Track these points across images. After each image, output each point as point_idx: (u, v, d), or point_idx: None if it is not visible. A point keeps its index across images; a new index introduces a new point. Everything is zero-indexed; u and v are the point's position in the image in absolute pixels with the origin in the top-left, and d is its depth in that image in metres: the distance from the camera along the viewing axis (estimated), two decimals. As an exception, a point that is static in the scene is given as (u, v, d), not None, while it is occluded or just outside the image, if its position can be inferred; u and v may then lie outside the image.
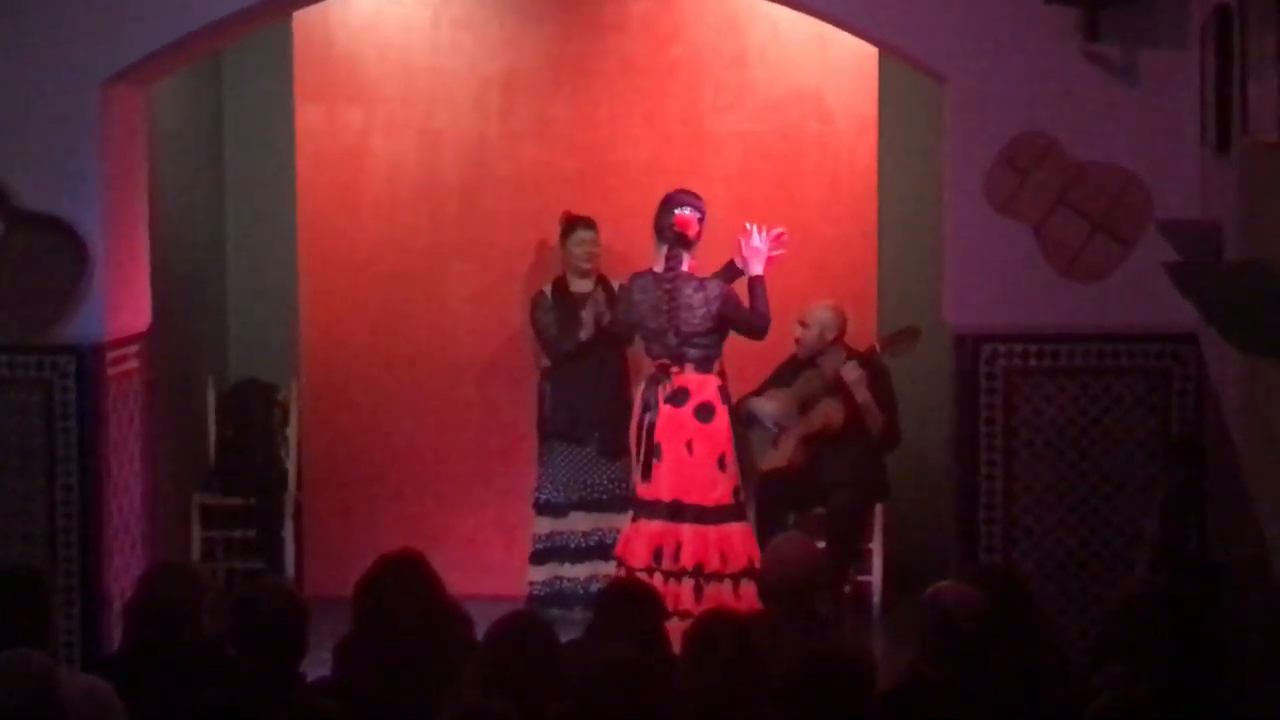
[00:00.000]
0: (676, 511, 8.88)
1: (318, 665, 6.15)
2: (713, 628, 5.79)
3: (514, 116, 10.01)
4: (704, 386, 8.97)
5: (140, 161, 8.36)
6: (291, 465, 10.18)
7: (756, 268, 8.98)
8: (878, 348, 9.39)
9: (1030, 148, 7.71)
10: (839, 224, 9.97)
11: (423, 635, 6.04)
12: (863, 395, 9.29)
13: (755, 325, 8.98)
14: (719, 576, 8.82)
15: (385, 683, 5.84)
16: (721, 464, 8.93)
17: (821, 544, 8.70)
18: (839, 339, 9.43)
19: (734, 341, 9.10)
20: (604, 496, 9.57)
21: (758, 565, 7.80)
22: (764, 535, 8.70)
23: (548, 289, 9.71)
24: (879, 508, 9.64)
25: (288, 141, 10.10)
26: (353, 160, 10.06)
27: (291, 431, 10.21)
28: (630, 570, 8.80)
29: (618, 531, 9.36)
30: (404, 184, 10.06)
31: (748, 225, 9.03)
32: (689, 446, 8.90)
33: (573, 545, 9.58)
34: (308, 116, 10.05)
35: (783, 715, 5.27)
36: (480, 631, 6.04)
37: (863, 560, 9.69)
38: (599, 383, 9.59)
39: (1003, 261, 7.73)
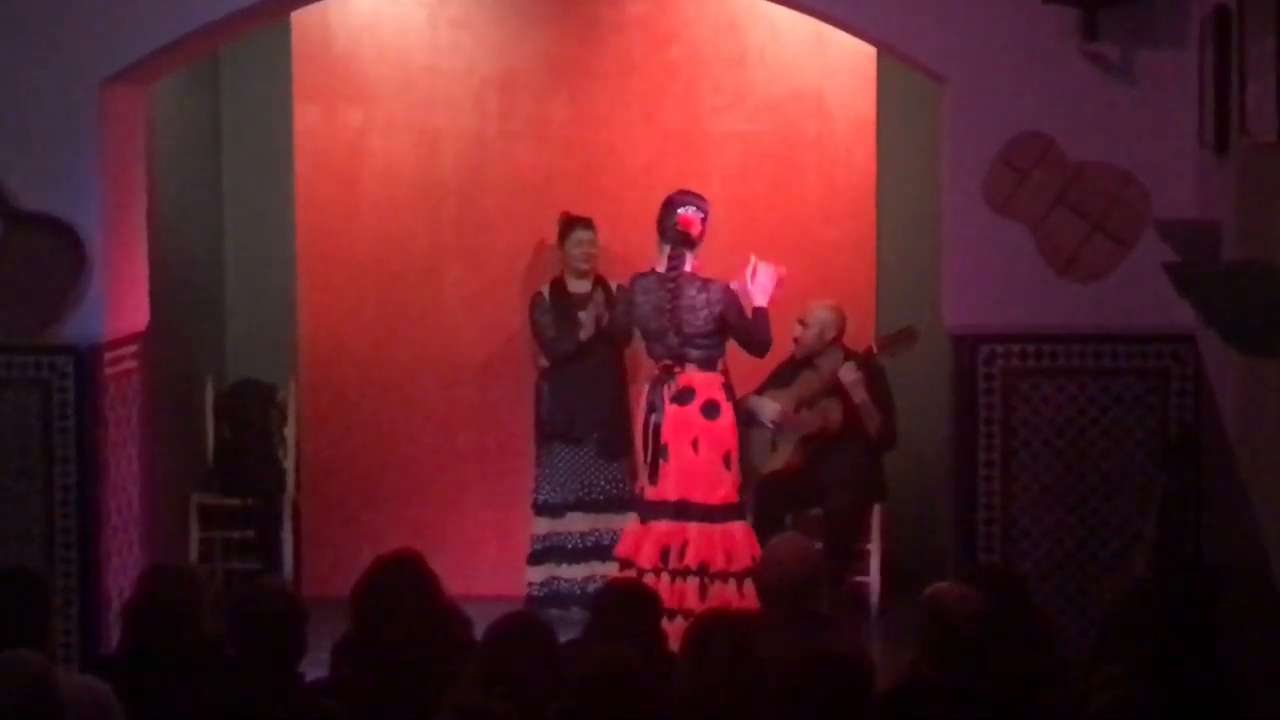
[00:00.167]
0: (683, 510, 8.90)
1: (316, 665, 6.15)
2: (711, 628, 5.78)
3: (512, 117, 10.01)
4: (709, 384, 8.99)
5: (139, 162, 8.36)
6: (290, 465, 10.18)
7: (760, 299, 9.00)
8: (875, 348, 9.39)
9: (1029, 148, 7.71)
10: (837, 224, 9.96)
11: (421, 635, 6.04)
12: (860, 396, 9.30)
13: (755, 340, 9.00)
14: (724, 575, 8.84)
15: (384, 683, 5.84)
16: (727, 462, 8.96)
17: (819, 544, 8.70)
18: (838, 339, 9.44)
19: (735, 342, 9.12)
20: (602, 497, 9.57)
21: (761, 563, 7.81)
22: (762, 536, 8.69)
23: (546, 289, 9.71)
24: (877, 508, 9.63)
25: (286, 142, 10.09)
26: (351, 160, 10.06)
27: (290, 432, 10.21)
28: (640, 571, 8.81)
29: (616, 532, 9.36)
30: (402, 184, 10.06)
31: (751, 259, 9.03)
32: (695, 445, 8.92)
33: (570, 546, 9.58)
34: (306, 116, 10.05)
35: (781, 716, 5.27)
36: (478, 632, 6.05)
37: (861, 561, 9.68)
38: (597, 383, 9.58)
39: (1001, 262, 7.73)
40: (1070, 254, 7.72)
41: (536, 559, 9.61)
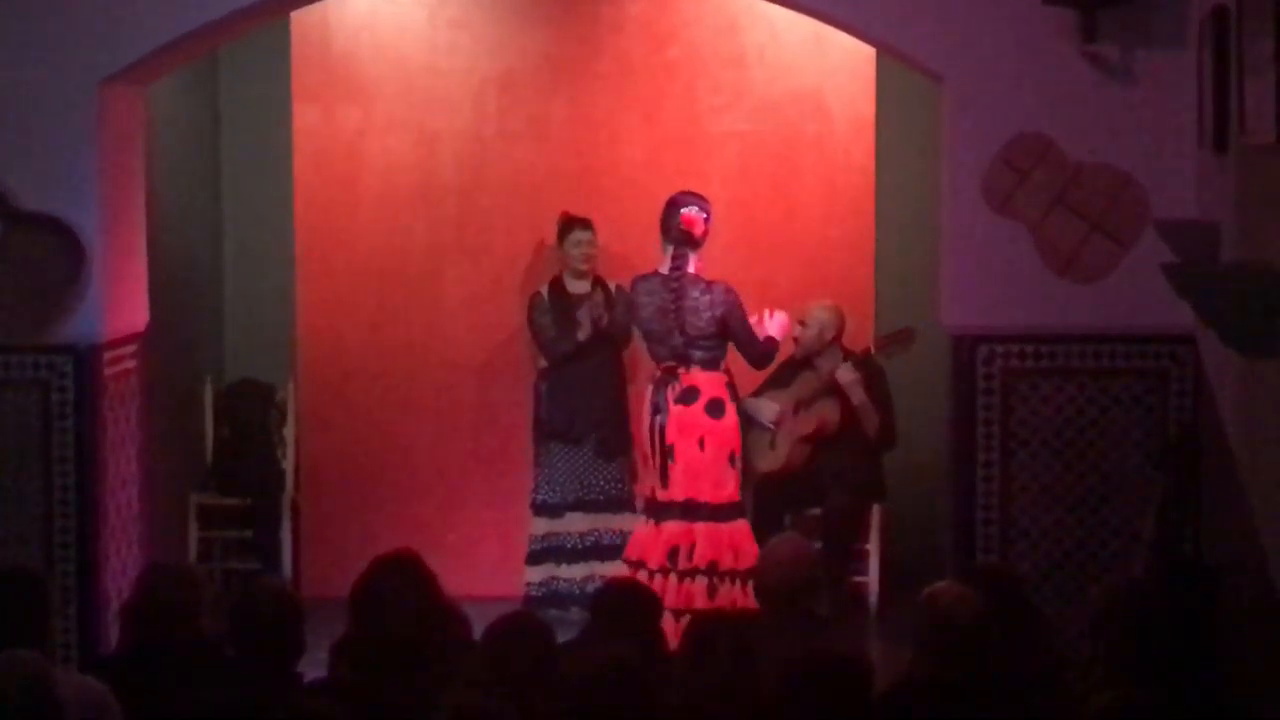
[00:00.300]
0: (690, 510, 8.91)
1: (315, 665, 6.15)
2: (710, 629, 5.79)
3: (511, 117, 10.01)
4: (713, 383, 9.00)
5: (138, 161, 8.36)
6: (289, 465, 10.17)
7: (775, 334, 9.13)
8: (873, 349, 9.40)
9: (1028, 148, 7.71)
10: (837, 224, 9.97)
11: (419, 635, 6.04)
12: (859, 396, 9.31)
13: (756, 349, 9.02)
14: (732, 575, 8.84)
15: (382, 683, 5.83)
16: (732, 460, 8.99)
17: (818, 544, 8.71)
18: (838, 339, 9.44)
19: (734, 342, 9.14)
20: (601, 497, 9.57)
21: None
22: (761, 536, 8.70)
23: (545, 290, 9.71)
24: (876, 508, 9.64)
25: (285, 141, 10.09)
26: (350, 160, 10.06)
27: (289, 432, 10.20)
28: (650, 573, 8.81)
29: (614, 532, 9.37)
30: (401, 184, 10.06)
31: (765, 312, 9.12)
32: (701, 444, 8.93)
33: (569, 546, 9.58)
34: (305, 116, 10.05)
35: (780, 716, 5.27)
36: (477, 631, 6.05)
37: (859, 561, 9.68)
38: (596, 383, 9.58)
39: (1000, 262, 7.73)
40: (1069, 254, 7.73)
41: (535, 559, 9.61)
